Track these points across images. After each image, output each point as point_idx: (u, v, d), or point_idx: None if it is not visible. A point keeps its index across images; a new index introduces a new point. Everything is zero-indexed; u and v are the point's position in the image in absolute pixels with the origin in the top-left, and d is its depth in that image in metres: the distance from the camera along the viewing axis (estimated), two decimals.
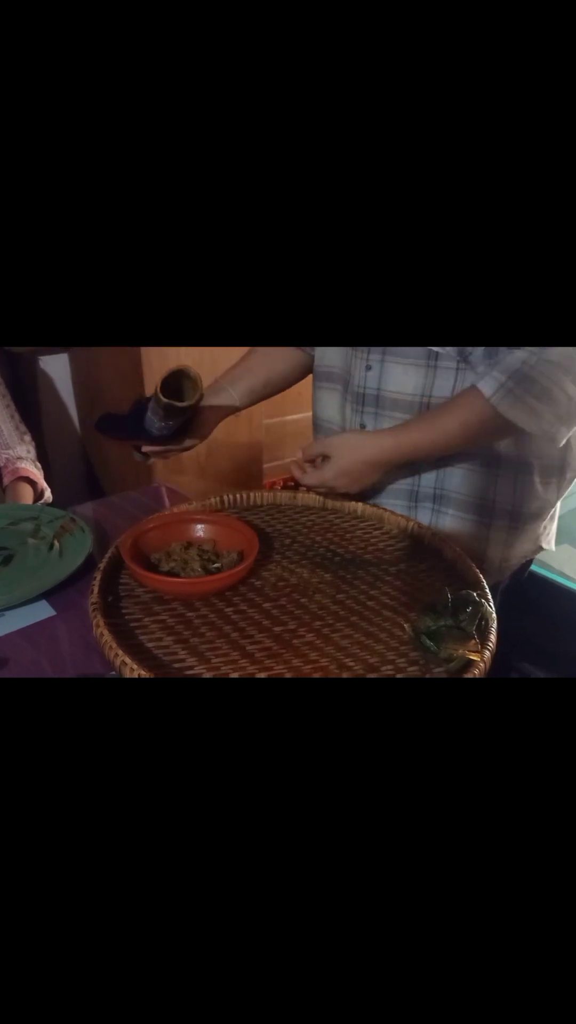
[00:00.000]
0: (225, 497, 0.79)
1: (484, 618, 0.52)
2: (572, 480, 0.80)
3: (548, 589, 0.97)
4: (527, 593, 0.82)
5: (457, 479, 0.75)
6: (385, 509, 0.76)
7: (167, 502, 0.90)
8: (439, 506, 0.77)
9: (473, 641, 0.50)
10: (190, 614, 0.58)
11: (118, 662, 0.49)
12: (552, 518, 0.83)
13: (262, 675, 0.51)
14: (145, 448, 0.74)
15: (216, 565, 0.62)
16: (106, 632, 0.51)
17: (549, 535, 0.84)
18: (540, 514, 0.79)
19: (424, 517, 0.78)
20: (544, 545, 0.83)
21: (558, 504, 0.82)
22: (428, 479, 0.77)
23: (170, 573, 0.62)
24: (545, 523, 0.82)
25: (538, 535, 0.82)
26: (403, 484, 0.78)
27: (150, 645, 0.54)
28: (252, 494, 0.80)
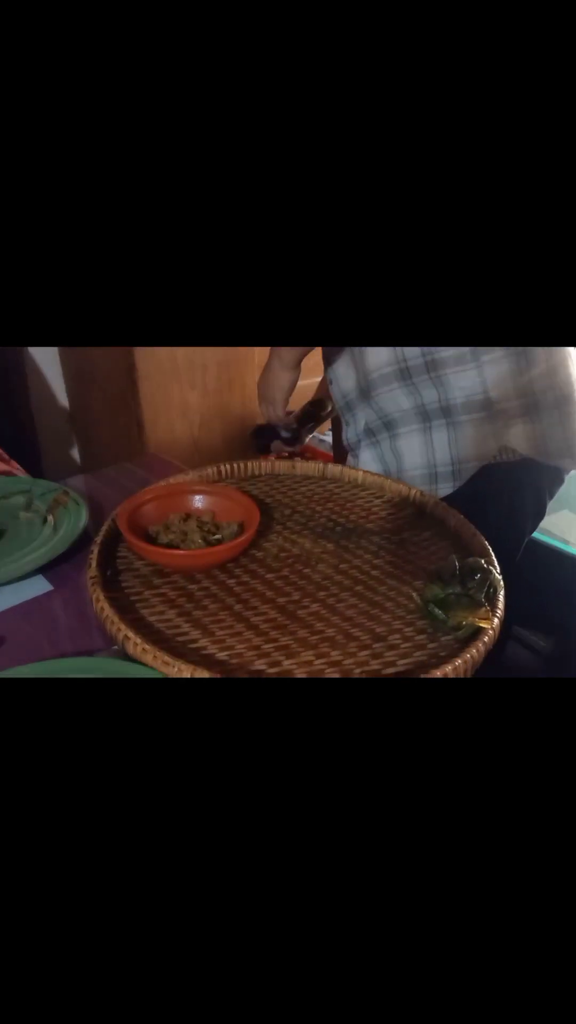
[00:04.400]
0: (222, 467, 0.77)
1: (492, 585, 0.51)
2: None
3: (548, 555, 0.97)
4: (525, 556, 0.81)
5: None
6: (386, 477, 0.75)
7: (162, 473, 0.88)
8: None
9: (484, 609, 0.49)
10: (192, 586, 0.57)
11: (120, 636, 0.47)
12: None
13: (268, 646, 0.50)
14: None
15: (216, 537, 0.61)
16: (107, 606, 0.50)
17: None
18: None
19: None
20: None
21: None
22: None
23: (169, 545, 0.60)
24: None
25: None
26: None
27: (152, 619, 0.52)
28: (250, 464, 0.78)
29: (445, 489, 0.76)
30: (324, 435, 2.03)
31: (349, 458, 0.94)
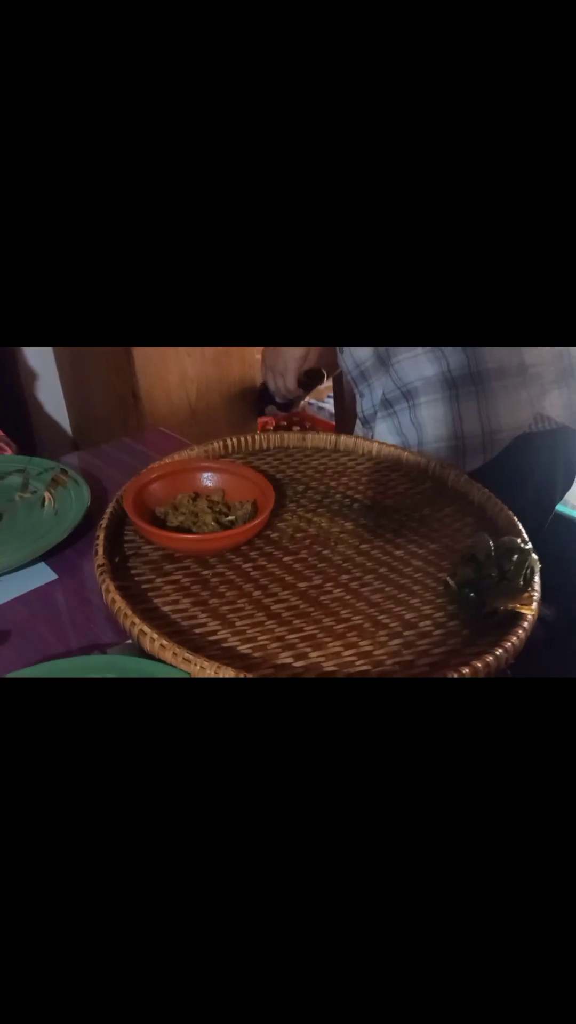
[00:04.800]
0: (229, 441, 0.73)
1: (531, 567, 0.48)
2: None
3: (566, 526, 0.94)
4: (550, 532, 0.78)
5: None
6: (403, 449, 0.71)
7: (163, 448, 0.83)
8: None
9: (527, 594, 0.46)
10: (205, 572, 0.54)
11: (136, 631, 0.44)
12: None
13: (293, 637, 0.47)
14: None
15: (230, 518, 0.57)
16: (118, 598, 0.46)
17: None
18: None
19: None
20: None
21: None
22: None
23: (180, 528, 0.56)
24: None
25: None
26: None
27: (166, 609, 0.49)
28: (258, 437, 0.74)
29: (475, 462, 0.72)
30: (323, 402, 1.97)
31: (359, 428, 0.90)
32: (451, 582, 0.48)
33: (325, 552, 0.57)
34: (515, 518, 0.58)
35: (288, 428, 1.77)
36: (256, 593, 0.51)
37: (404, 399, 0.75)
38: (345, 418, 1.29)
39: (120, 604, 0.46)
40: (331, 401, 2.02)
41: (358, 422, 0.89)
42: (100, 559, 0.51)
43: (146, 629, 0.44)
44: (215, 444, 0.71)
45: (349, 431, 1.27)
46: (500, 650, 0.43)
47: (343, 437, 0.74)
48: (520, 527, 0.57)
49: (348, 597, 0.51)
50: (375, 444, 0.73)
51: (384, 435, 0.78)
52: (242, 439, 0.73)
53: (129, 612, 0.45)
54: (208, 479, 0.62)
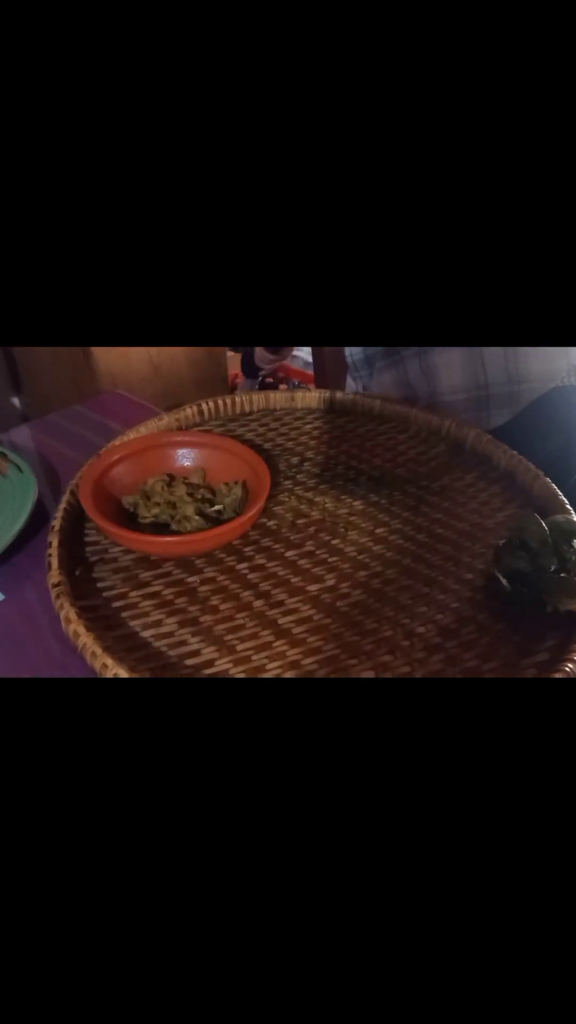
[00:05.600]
0: (204, 406, 0.61)
1: None
2: None
3: None
4: None
5: None
6: (411, 406, 0.60)
7: (124, 417, 0.70)
8: None
9: None
10: (191, 579, 0.43)
11: (110, 674, 0.34)
12: None
13: (310, 662, 0.37)
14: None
15: (216, 507, 0.46)
16: (82, 630, 0.36)
17: None
18: None
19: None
20: None
21: None
22: None
23: (156, 524, 0.45)
24: None
25: None
26: None
27: (147, 635, 0.39)
28: (239, 399, 0.62)
29: (500, 417, 0.62)
30: (297, 349, 1.82)
31: (350, 381, 0.78)
32: (502, 579, 0.39)
33: (335, 542, 0.47)
34: (554, 486, 0.49)
35: (267, 384, 1.63)
36: (258, 603, 0.41)
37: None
38: (325, 366, 1.16)
39: (86, 639, 0.35)
40: (307, 348, 1.87)
41: (349, 374, 0.77)
42: (55, 575, 0.40)
43: (122, 672, 0.33)
44: (188, 411, 0.59)
45: (330, 382, 1.15)
46: (572, 665, 0.35)
47: (338, 394, 0.63)
48: (564, 499, 0.48)
49: (371, 600, 0.42)
50: (377, 401, 0.62)
51: (387, 387, 0.67)
52: (220, 403, 0.61)
53: (97, 649, 0.34)
54: (185, 457, 0.51)
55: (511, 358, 0.60)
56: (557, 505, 0.47)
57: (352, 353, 0.72)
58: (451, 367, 0.61)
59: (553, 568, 0.38)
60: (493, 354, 0.60)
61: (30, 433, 0.66)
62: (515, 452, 0.54)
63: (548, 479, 0.50)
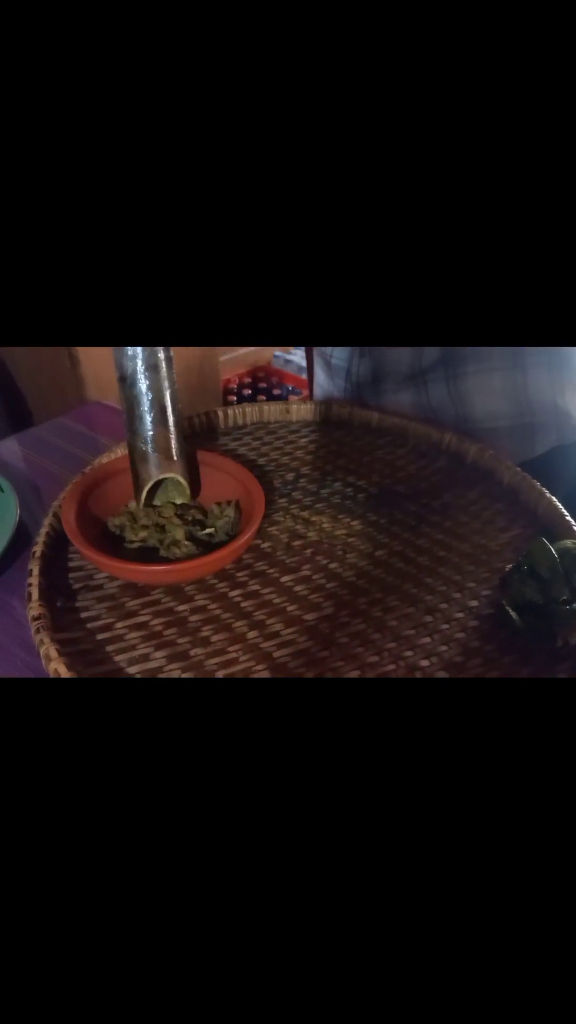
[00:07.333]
0: (195, 419, 0.58)
1: None
2: None
3: None
4: None
5: None
6: (410, 419, 0.58)
7: (112, 430, 0.68)
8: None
9: None
10: (182, 608, 0.41)
11: None
12: None
13: None
14: None
15: (208, 531, 0.44)
16: (62, 666, 0.33)
17: None
18: None
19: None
20: None
21: None
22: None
23: (143, 549, 0.43)
24: None
25: None
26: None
27: (133, 670, 0.36)
28: (230, 411, 0.60)
29: (545, 443, 0.60)
30: (290, 354, 1.80)
31: (323, 381, 0.76)
32: (511, 611, 0.37)
33: (332, 566, 0.45)
34: (559, 505, 0.47)
35: (254, 388, 1.61)
36: (252, 635, 0.39)
37: (442, 367, 0.61)
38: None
39: (66, 675, 0.33)
40: (300, 351, 1.84)
41: (320, 372, 0.74)
42: (35, 607, 0.37)
43: None
44: None
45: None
46: None
47: (334, 406, 0.61)
48: (569, 518, 0.46)
49: (371, 631, 0.39)
50: (374, 415, 0.59)
51: (403, 410, 0.64)
52: (211, 414, 0.59)
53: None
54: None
55: (558, 386, 0.57)
56: (565, 528, 0.45)
57: (358, 373, 0.68)
58: (489, 392, 0.58)
59: (564, 598, 0.36)
60: (540, 380, 0.57)
61: (11, 447, 0.63)
62: (518, 468, 0.52)
63: (552, 497, 0.48)
